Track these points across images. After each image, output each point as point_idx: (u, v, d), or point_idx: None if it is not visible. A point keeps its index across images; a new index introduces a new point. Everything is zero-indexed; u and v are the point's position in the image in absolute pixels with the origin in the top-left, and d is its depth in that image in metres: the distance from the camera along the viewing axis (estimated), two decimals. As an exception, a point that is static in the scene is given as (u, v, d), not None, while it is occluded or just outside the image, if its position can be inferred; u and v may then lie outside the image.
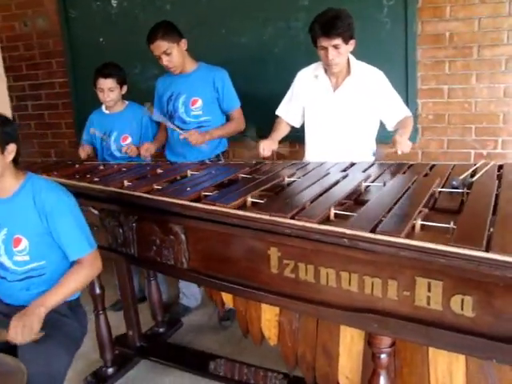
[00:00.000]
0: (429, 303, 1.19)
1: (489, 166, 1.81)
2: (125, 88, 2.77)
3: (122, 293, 2.40)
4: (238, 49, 3.14)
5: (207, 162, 2.56)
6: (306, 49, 2.77)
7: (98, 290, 2.19)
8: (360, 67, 2.24)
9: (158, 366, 2.40)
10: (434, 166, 1.95)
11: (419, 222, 1.22)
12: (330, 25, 2.03)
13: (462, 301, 1.14)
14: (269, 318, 1.68)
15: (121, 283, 2.37)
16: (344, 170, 1.89)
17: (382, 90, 2.23)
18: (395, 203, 1.41)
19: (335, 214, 1.36)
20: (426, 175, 1.79)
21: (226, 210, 1.44)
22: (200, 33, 3.20)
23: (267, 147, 2.21)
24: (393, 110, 2.25)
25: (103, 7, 3.46)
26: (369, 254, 1.21)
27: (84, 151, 2.74)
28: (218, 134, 2.62)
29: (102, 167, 2.24)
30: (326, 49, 2.10)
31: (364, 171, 1.86)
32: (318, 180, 1.72)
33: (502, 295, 1.10)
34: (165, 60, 2.51)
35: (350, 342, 1.52)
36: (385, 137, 2.47)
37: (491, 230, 1.15)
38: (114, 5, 3.43)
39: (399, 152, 2.00)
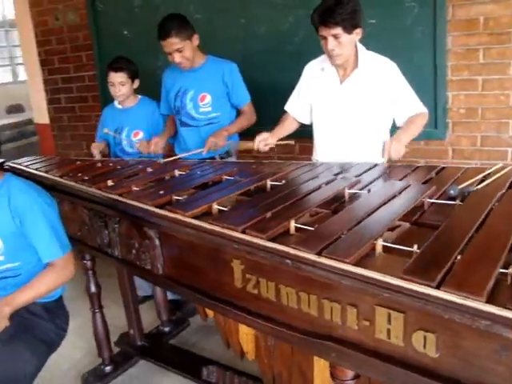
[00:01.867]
0: (389, 337, 1.03)
1: (504, 172, 1.57)
2: (137, 82, 2.72)
3: (121, 292, 2.37)
4: (256, 39, 3.01)
5: (217, 158, 2.48)
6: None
7: (93, 289, 2.18)
8: (369, 58, 2.03)
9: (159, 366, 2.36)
10: (443, 168, 1.73)
11: (380, 243, 1.05)
12: (328, 13, 1.84)
13: (425, 338, 0.97)
14: (246, 331, 1.58)
15: (120, 282, 2.34)
16: (338, 173, 1.71)
17: (392, 82, 2.00)
18: (369, 215, 1.23)
19: (296, 227, 1.21)
20: (426, 181, 1.59)
21: (180, 219, 1.34)
22: (219, 23, 3.09)
23: (263, 142, 2.08)
24: (403, 104, 2.02)
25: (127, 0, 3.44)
26: (321, 278, 1.06)
27: (96, 148, 2.72)
28: (234, 130, 2.53)
29: (99, 165, 2.20)
30: (326, 38, 1.92)
31: (359, 175, 1.67)
32: (303, 184, 1.56)
33: (470, 336, 0.91)
34: (177, 57, 2.40)
35: (323, 364, 1.37)
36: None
37: (458, 257, 0.96)
38: (137, -3, 3.40)
39: (387, 158, 1.81)
